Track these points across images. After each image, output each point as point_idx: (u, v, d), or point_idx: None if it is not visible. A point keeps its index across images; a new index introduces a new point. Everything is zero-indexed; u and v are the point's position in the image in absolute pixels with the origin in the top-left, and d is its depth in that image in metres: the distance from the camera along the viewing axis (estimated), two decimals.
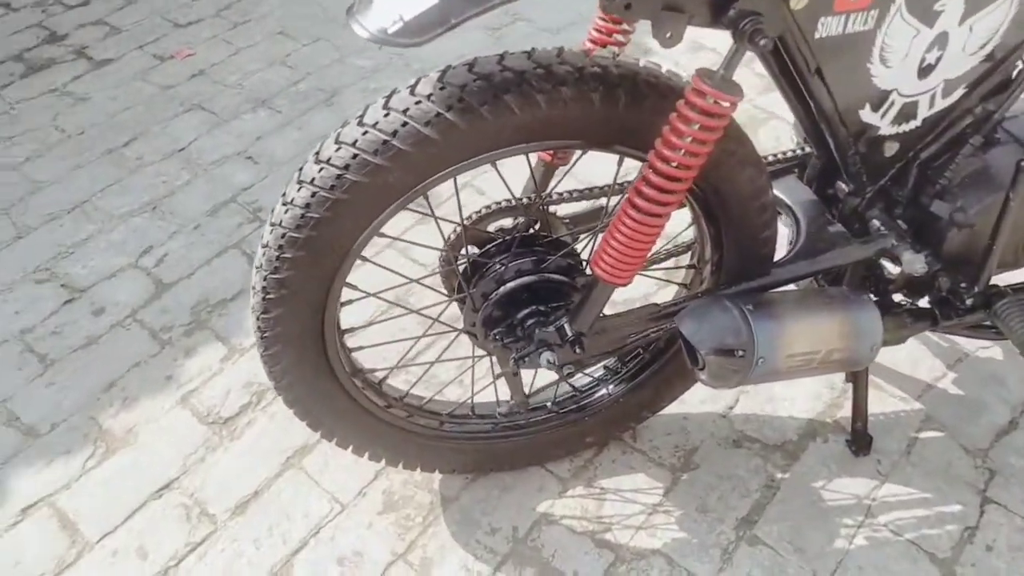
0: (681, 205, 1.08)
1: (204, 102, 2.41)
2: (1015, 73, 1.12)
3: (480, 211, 1.24)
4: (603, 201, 1.30)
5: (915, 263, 1.15)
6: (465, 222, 1.20)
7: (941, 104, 1.10)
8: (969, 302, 1.22)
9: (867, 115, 1.07)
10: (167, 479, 1.51)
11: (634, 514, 1.43)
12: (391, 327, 1.61)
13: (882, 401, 1.57)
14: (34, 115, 2.40)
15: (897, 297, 1.30)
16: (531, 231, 1.27)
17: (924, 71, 1.05)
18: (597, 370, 1.43)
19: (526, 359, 1.17)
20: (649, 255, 1.29)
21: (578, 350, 1.13)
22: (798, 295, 1.15)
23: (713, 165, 1.09)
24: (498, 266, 1.17)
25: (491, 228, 1.29)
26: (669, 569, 1.35)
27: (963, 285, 1.21)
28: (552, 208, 1.28)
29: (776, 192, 1.29)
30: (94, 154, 2.25)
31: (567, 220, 1.31)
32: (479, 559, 1.38)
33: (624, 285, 1.08)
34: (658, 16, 0.89)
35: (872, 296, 1.20)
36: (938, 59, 1.04)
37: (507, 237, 1.20)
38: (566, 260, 1.20)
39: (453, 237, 1.25)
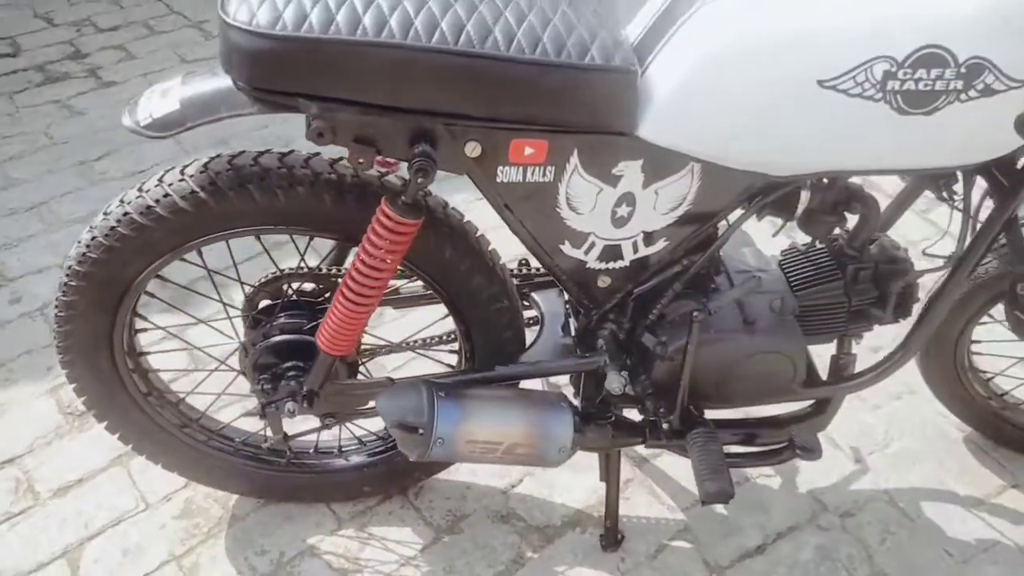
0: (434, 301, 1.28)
1: (182, 139, 2.70)
2: (718, 233, 1.29)
3: (273, 274, 1.45)
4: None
5: (613, 383, 1.31)
6: (260, 281, 1.42)
7: (645, 251, 1.27)
8: (665, 426, 1.37)
9: (569, 250, 1.25)
10: (12, 455, 1.74)
11: (387, 563, 1.59)
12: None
13: (650, 506, 1.71)
14: (32, 120, 2.74)
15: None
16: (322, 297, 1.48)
17: (618, 222, 1.23)
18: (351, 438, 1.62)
19: (274, 404, 1.37)
20: (419, 338, 1.50)
21: (306, 405, 1.33)
22: (498, 392, 1.32)
23: (446, 273, 1.29)
24: (266, 323, 1.38)
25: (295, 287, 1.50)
26: None
27: (662, 410, 1.36)
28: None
29: (536, 298, 1.48)
30: (67, 163, 2.56)
31: None
32: (240, 573, 1.56)
33: (342, 356, 1.28)
34: (351, 146, 1.10)
35: (576, 404, 1.36)
36: (630, 213, 1.22)
37: (283, 299, 1.41)
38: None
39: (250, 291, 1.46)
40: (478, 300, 1.33)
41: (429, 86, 1.06)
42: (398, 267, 1.20)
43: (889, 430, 1.87)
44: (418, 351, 1.50)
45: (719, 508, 1.72)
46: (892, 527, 1.69)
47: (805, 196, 1.27)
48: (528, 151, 1.12)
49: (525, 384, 1.43)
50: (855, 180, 1.33)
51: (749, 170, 1.16)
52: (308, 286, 1.47)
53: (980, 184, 1.31)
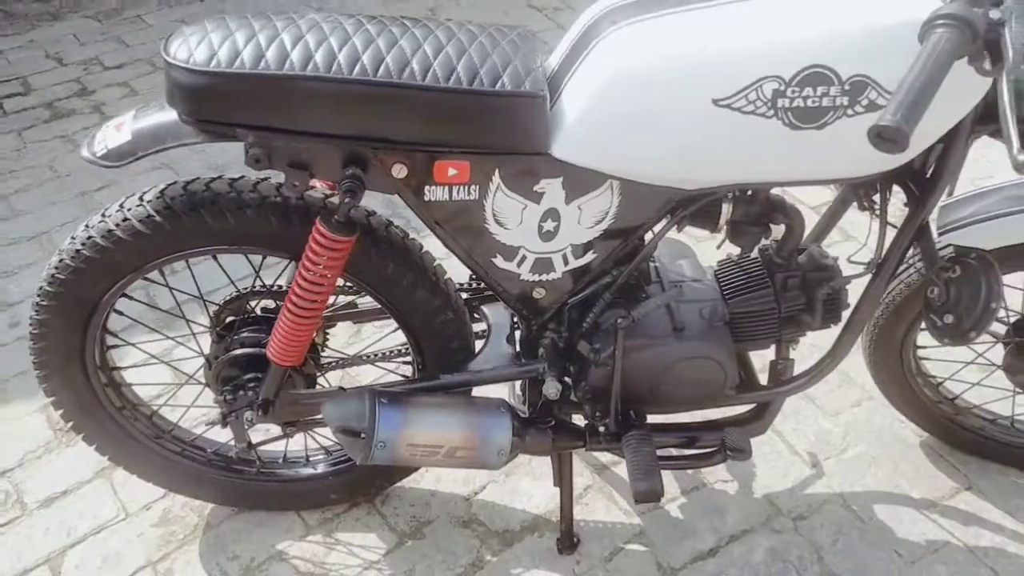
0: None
1: (173, 163, 2.83)
2: (644, 244, 1.36)
3: (235, 293, 1.54)
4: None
5: (549, 389, 1.38)
6: (224, 299, 1.51)
7: (576, 263, 1.35)
8: (602, 430, 1.44)
9: (502, 263, 1.33)
10: (3, 468, 1.85)
11: (352, 566, 1.67)
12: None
13: (607, 510, 1.77)
14: (38, 155, 2.88)
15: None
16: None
17: (546, 236, 1.31)
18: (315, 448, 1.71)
19: (234, 413, 1.46)
20: (375, 351, 1.58)
21: (262, 413, 1.42)
22: (438, 399, 1.40)
23: (390, 287, 1.38)
24: (228, 338, 1.47)
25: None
26: None
27: (598, 414, 1.43)
28: None
29: (485, 311, 1.56)
30: (69, 194, 2.69)
31: None
32: None
33: (292, 366, 1.37)
34: (286, 171, 1.19)
35: (518, 410, 1.44)
36: (556, 228, 1.30)
37: (244, 316, 1.50)
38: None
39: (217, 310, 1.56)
40: (423, 313, 1.42)
41: (353, 114, 1.15)
42: (337, 282, 1.29)
43: (847, 436, 1.92)
44: (374, 363, 1.58)
45: (676, 512, 1.77)
46: (844, 529, 1.74)
47: (726, 208, 1.34)
48: (452, 172, 1.21)
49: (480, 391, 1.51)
50: (776, 192, 1.40)
51: (662, 185, 1.24)
52: (270, 303, 1.57)
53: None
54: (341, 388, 1.46)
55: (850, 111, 1.13)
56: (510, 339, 1.50)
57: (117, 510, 1.76)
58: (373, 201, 1.27)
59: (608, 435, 1.44)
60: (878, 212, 1.38)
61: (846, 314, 1.47)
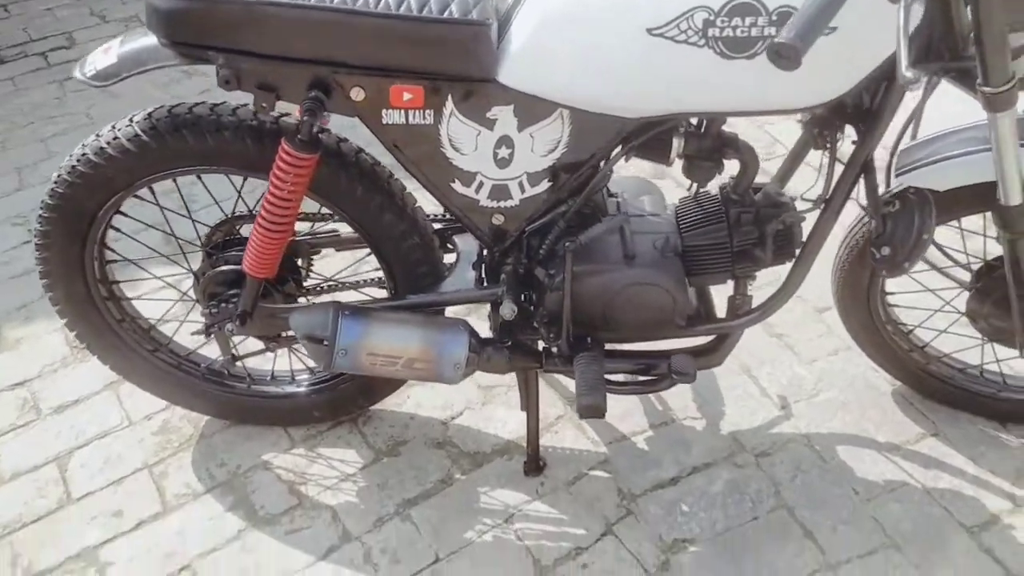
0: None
1: None
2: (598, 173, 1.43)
3: (227, 216, 1.65)
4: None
5: (505, 310, 1.47)
6: (216, 222, 1.63)
7: (532, 191, 1.42)
8: (555, 351, 1.52)
9: (460, 188, 1.41)
10: (24, 378, 2.01)
11: (329, 477, 1.79)
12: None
13: (576, 439, 1.85)
14: (77, 103, 3.04)
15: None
16: None
17: (501, 163, 1.38)
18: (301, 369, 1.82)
19: (216, 325, 1.58)
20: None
21: (239, 325, 1.53)
22: (399, 314, 1.49)
23: (359, 209, 1.47)
24: (216, 256, 1.59)
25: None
26: (331, 521, 1.71)
27: (552, 336, 1.51)
28: None
29: (456, 240, 1.65)
30: None
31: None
32: (200, 480, 1.78)
33: (264, 278, 1.48)
34: (255, 92, 1.29)
35: (475, 330, 1.53)
36: (511, 155, 1.37)
37: (232, 237, 1.61)
38: None
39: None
40: (391, 237, 1.51)
41: (313, 39, 1.24)
42: (302, 197, 1.39)
43: (820, 382, 1.96)
44: (355, 288, 1.68)
45: (643, 444, 1.85)
46: (804, 467, 1.79)
47: (677, 142, 1.40)
48: (407, 96, 1.29)
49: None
50: (730, 129, 1.45)
51: (606, 114, 1.30)
52: None
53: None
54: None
55: None
56: (476, 266, 1.59)
57: (121, 418, 1.91)
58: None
59: (562, 356, 1.52)
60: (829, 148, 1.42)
61: None
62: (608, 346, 1.59)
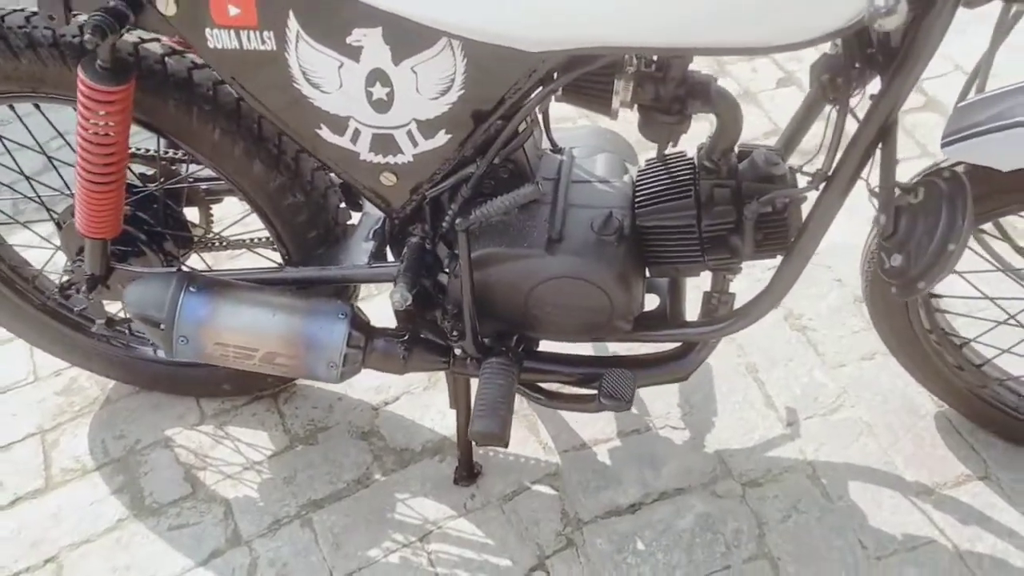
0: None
1: None
2: (519, 129, 1.06)
3: None
4: None
5: (395, 296, 1.14)
6: None
7: (427, 144, 1.07)
8: (458, 352, 1.19)
9: (330, 136, 1.08)
10: None
11: (233, 464, 1.54)
12: None
13: (526, 442, 1.53)
14: None
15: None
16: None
17: (378, 105, 1.04)
18: None
19: (73, 287, 1.32)
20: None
21: (87, 290, 1.27)
22: (262, 295, 1.18)
23: (221, 156, 1.17)
24: None
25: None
26: (223, 519, 1.46)
27: (455, 334, 1.17)
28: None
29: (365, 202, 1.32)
30: None
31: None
32: (92, 454, 1.56)
33: (104, 238, 1.20)
34: (93, 15, 0.98)
35: (363, 318, 1.21)
36: (390, 95, 1.02)
37: None
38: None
39: None
40: (265, 191, 1.20)
41: None
42: (126, 139, 1.09)
43: (843, 395, 1.56)
44: (243, 247, 1.39)
45: (603, 456, 1.51)
46: (803, 505, 1.42)
47: (622, 86, 1.02)
48: (233, 11, 0.96)
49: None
50: (699, 72, 1.05)
51: (497, 44, 0.93)
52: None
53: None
54: (181, 269, 1.28)
55: None
56: (376, 235, 1.26)
57: (27, 372, 1.70)
58: None
59: (470, 358, 1.20)
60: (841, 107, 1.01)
61: None
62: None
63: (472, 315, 1.14)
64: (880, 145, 0.97)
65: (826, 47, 1.06)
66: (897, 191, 0.99)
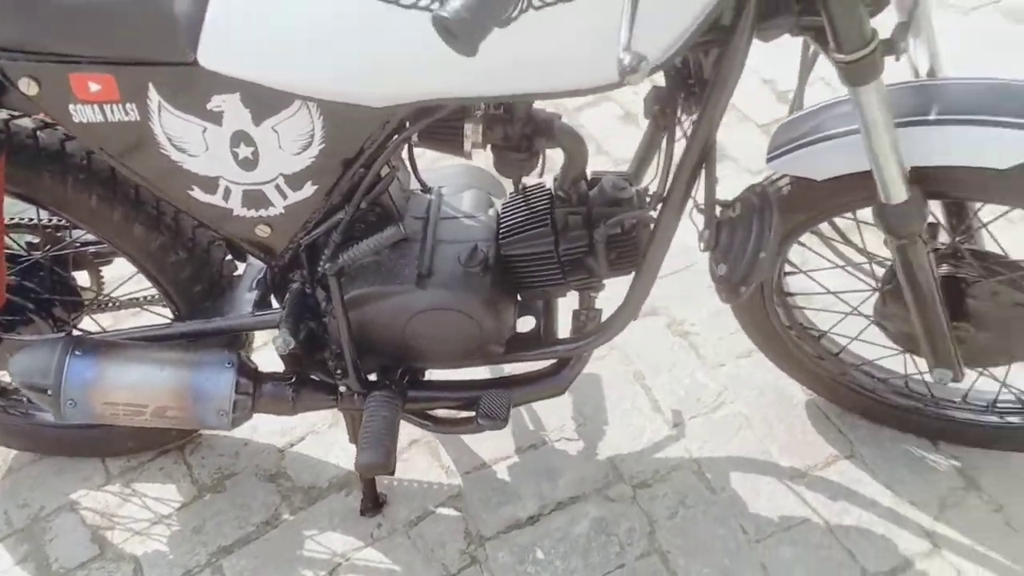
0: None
1: None
2: (381, 174, 1.14)
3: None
4: None
5: (278, 342, 1.20)
6: None
7: (296, 196, 1.14)
8: (343, 389, 1.25)
9: (203, 197, 1.14)
10: None
11: (140, 520, 1.56)
12: None
13: (428, 468, 1.60)
14: None
15: None
16: None
17: (245, 164, 1.10)
18: None
19: None
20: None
21: None
22: (147, 351, 1.23)
23: (101, 222, 1.21)
24: None
25: None
26: None
27: (339, 372, 1.24)
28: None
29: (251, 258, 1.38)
30: None
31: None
32: None
33: None
34: None
35: (249, 364, 1.26)
36: (255, 154, 1.09)
37: None
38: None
39: None
40: (148, 251, 1.25)
41: None
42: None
43: (723, 392, 1.68)
44: (135, 306, 1.43)
45: (503, 473, 1.59)
46: (690, 500, 1.52)
47: (471, 129, 1.11)
48: (95, 87, 1.01)
49: None
50: (545, 111, 1.15)
51: (348, 102, 1.01)
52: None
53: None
54: (70, 334, 1.32)
55: (536, 1, 0.87)
56: (259, 283, 1.32)
57: None
58: None
59: (356, 394, 1.26)
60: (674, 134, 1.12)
61: None
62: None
63: (351, 353, 1.20)
64: (704, 166, 1.08)
65: (657, 79, 1.17)
66: (719, 208, 1.10)
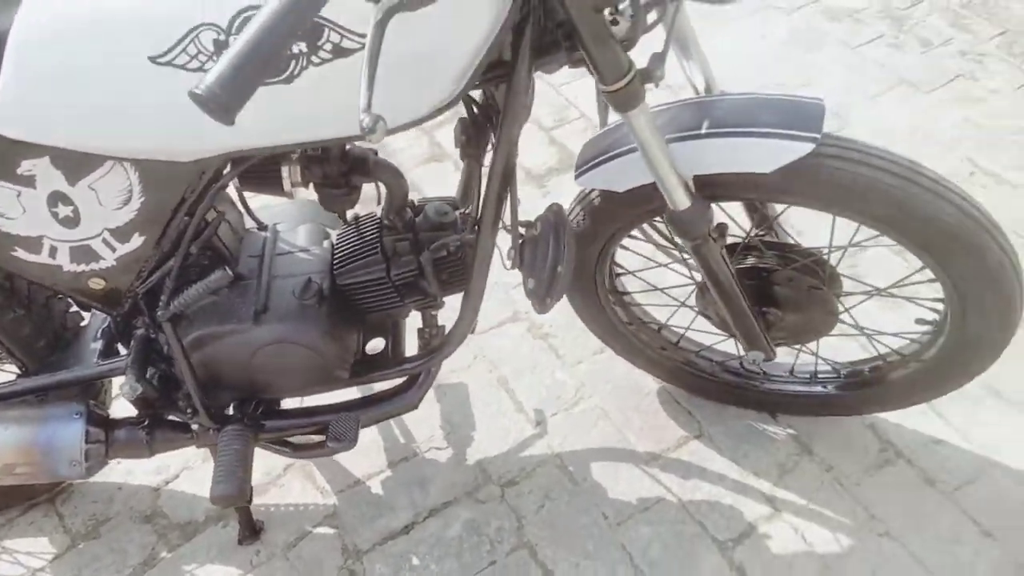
0: None
1: None
2: (209, 219, 1.19)
3: None
4: None
5: (125, 388, 1.23)
6: None
7: (125, 248, 1.17)
8: (195, 427, 1.30)
9: (28, 256, 1.16)
10: None
11: None
12: None
13: (303, 491, 1.64)
14: None
15: None
16: None
17: (67, 222, 1.13)
18: None
19: None
20: None
21: None
22: None
23: None
24: None
25: None
26: None
27: (190, 412, 1.28)
28: None
29: None
30: None
31: None
32: None
33: None
34: None
35: (98, 412, 1.29)
36: (76, 212, 1.12)
37: None
38: None
39: None
40: None
41: None
42: None
43: (582, 388, 1.78)
44: None
45: (376, 487, 1.65)
46: (554, 493, 1.61)
47: (288, 172, 1.16)
48: None
49: None
50: (361, 148, 1.22)
51: (156, 159, 1.06)
52: None
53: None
54: None
55: (315, 58, 0.94)
56: (104, 333, 1.34)
57: None
58: None
59: (211, 430, 1.30)
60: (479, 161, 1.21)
61: None
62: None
63: (197, 393, 1.24)
64: (508, 188, 1.17)
65: (460, 112, 1.25)
66: (524, 228, 1.19)
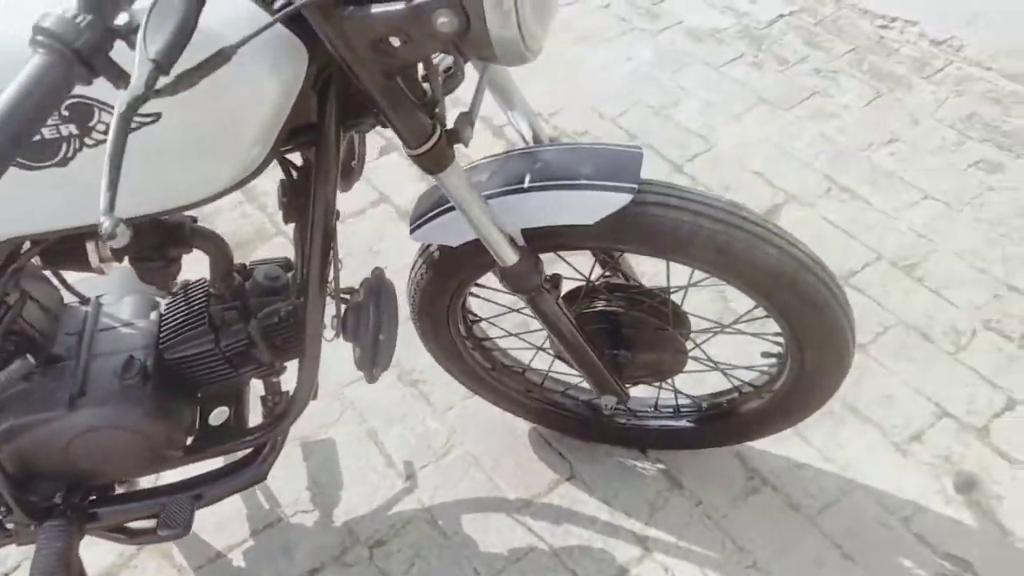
0: None
1: None
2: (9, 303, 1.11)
3: None
4: None
5: None
6: None
7: None
8: (10, 526, 1.21)
9: None
10: None
11: None
12: None
13: (160, 570, 1.56)
14: None
15: None
16: None
17: None
18: None
19: None
20: None
21: None
22: None
23: None
24: None
25: None
26: None
27: (3, 509, 1.20)
28: None
29: None
30: None
31: None
32: None
33: None
34: None
35: None
36: None
37: None
38: None
39: None
40: None
41: None
42: None
43: (453, 435, 1.74)
44: None
45: (239, 559, 1.58)
46: (424, 550, 1.57)
47: (93, 248, 1.09)
48: None
49: None
50: (176, 217, 1.16)
51: None
52: None
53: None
54: None
55: (88, 140, 0.88)
56: None
57: None
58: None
59: (32, 526, 1.21)
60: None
61: None
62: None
63: (8, 489, 1.16)
64: (332, 252, 1.13)
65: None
66: (348, 294, 1.15)
